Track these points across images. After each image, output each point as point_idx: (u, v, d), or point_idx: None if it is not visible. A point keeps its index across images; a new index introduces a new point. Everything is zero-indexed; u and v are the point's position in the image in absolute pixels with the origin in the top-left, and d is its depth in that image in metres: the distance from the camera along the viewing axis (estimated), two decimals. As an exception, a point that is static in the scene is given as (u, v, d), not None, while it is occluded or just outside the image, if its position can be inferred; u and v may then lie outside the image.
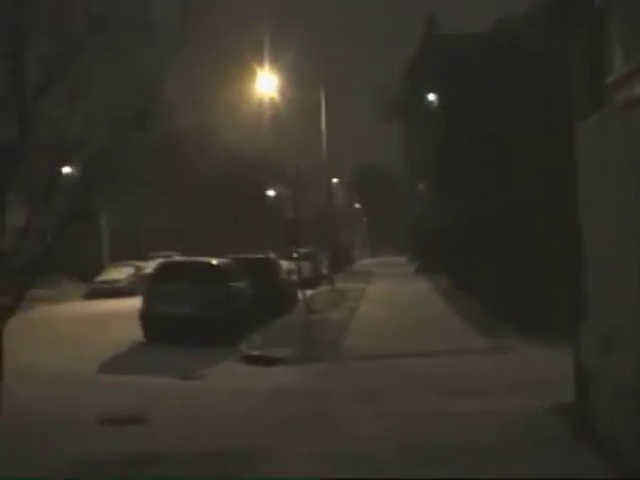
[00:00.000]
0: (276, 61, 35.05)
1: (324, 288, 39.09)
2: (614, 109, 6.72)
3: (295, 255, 29.52)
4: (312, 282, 38.75)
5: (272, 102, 39.83)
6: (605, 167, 7.06)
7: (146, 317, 20.28)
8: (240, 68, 36.17)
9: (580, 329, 8.93)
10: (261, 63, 34.29)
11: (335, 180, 67.21)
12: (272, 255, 34.04)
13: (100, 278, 41.68)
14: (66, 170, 7.92)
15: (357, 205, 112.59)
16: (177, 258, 34.48)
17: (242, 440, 10.00)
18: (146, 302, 20.58)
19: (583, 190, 7.98)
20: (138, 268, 41.52)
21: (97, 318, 27.44)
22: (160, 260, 28.05)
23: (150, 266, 34.58)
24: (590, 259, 8.37)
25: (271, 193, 72.96)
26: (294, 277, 30.36)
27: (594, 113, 7.33)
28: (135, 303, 21.60)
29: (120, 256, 48.26)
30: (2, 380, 6.60)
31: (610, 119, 6.62)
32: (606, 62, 6.91)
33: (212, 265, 21.77)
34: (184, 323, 19.74)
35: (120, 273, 41.51)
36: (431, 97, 50.62)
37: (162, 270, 21.90)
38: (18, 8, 6.31)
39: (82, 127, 6.90)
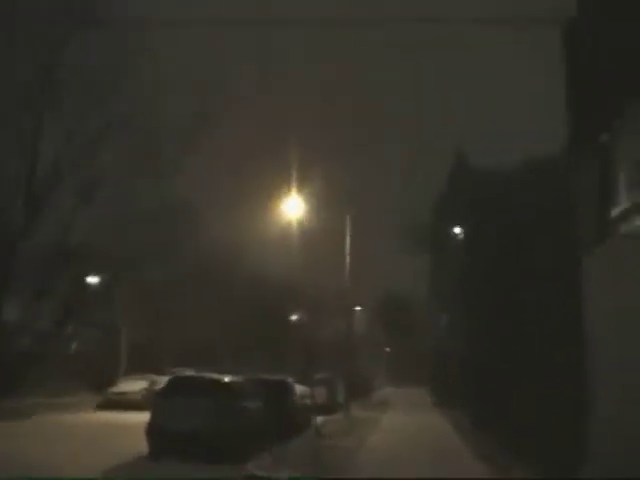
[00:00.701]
0: (303, 184, 35.63)
1: (339, 415, 38.57)
2: (617, 241, 6.79)
3: (310, 380, 29.36)
4: (327, 408, 38.33)
5: (297, 226, 40.31)
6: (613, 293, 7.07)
7: (152, 431, 20.04)
8: (267, 191, 36.85)
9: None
10: (288, 187, 34.88)
11: (358, 308, 67.23)
12: (289, 378, 33.82)
13: (114, 389, 41.36)
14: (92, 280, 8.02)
15: (378, 333, 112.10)
16: (188, 373, 34.30)
17: None
18: (153, 416, 20.37)
19: (592, 319, 7.97)
20: (153, 382, 41.23)
21: (106, 430, 27.24)
22: (172, 374, 27.91)
23: (164, 380, 34.43)
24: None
25: (294, 317, 73.17)
26: (308, 401, 30.05)
27: (599, 245, 7.40)
28: (146, 416, 21.39)
29: (137, 368, 48.16)
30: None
31: (613, 250, 6.69)
32: (611, 196, 7.02)
33: (223, 382, 21.60)
34: (190, 439, 19.45)
35: (135, 385, 41.15)
36: (457, 230, 51.18)
37: (172, 384, 21.75)
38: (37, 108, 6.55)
39: (95, 229, 7.05)
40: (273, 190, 35.51)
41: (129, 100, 6.60)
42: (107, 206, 6.87)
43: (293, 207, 35.48)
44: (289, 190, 35.12)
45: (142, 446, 20.13)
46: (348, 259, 40.82)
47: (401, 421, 37.46)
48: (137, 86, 6.47)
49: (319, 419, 31.41)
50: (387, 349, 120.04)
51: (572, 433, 15.72)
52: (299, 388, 31.07)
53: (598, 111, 7.58)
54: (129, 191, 6.83)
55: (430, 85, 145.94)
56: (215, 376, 23.05)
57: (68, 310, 6.71)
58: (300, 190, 35.28)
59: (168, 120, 6.94)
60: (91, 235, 6.68)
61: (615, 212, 6.91)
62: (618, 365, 7.23)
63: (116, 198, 6.87)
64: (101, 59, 6.37)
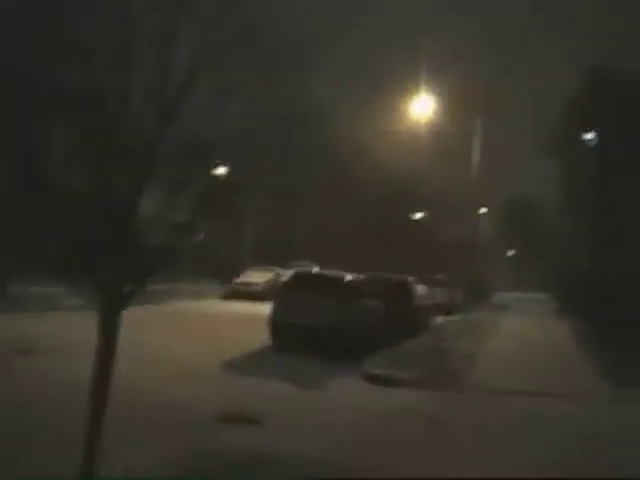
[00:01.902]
0: (434, 83, 35.01)
1: (458, 317, 38.64)
2: None
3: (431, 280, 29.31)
4: (446, 309, 38.48)
5: (426, 125, 39.79)
6: None
7: (274, 324, 20.60)
8: (396, 87, 36.31)
9: None
10: (417, 84, 34.35)
11: (483, 209, 66.47)
12: (410, 278, 33.95)
13: (239, 280, 42.53)
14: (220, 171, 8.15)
15: (503, 237, 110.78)
16: (311, 270, 34.83)
17: (346, 454, 10.08)
18: (275, 310, 20.89)
19: None
20: (277, 274, 42.07)
21: (231, 319, 28.15)
22: (296, 269, 28.40)
23: (288, 273, 35.13)
24: None
25: (418, 215, 72.81)
26: (428, 302, 30.18)
27: None
28: (269, 307, 21.91)
29: (262, 260, 49.17)
30: (112, 368, 6.81)
31: None
32: None
33: (345, 280, 21.83)
34: (311, 334, 19.90)
35: (260, 277, 42.15)
36: (590, 135, 49.51)
37: (295, 280, 22.14)
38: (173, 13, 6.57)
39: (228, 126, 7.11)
40: (403, 89, 35.06)
41: (263, 5, 6.62)
42: (240, 108, 6.98)
43: (422, 106, 35.03)
44: (418, 89, 34.63)
45: (264, 337, 20.80)
46: (476, 161, 40.14)
47: (519, 326, 37.20)
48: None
49: (439, 320, 31.62)
50: (510, 253, 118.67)
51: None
52: (420, 288, 31.11)
53: None
54: (263, 95, 6.89)
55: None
56: (337, 274, 23.32)
57: (200, 202, 6.93)
58: (430, 90, 34.73)
59: (304, 25, 6.94)
60: (224, 134, 6.84)
61: None
62: None
63: (249, 102, 6.96)
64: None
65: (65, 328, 18.81)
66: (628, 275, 27.24)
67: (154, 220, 6.84)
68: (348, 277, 22.30)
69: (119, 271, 6.59)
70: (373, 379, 16.81)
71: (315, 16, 7.19)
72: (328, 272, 25.56)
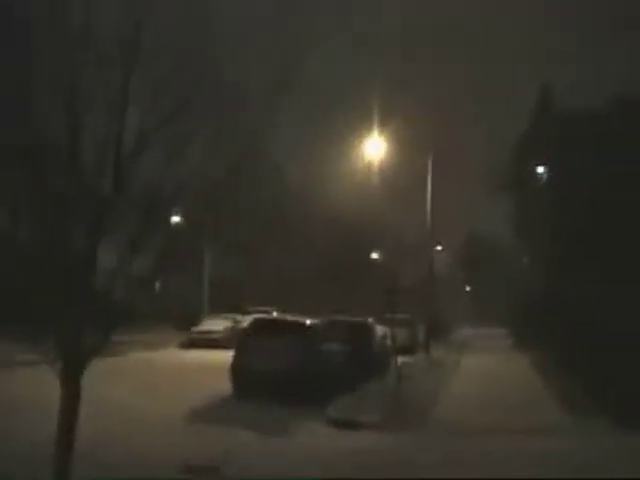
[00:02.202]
0: (383, 125, 35.33)
1: (419, 357, 38.70)
2: None
3: (391, 320, 29.24)
4: (407, 349, 38.46)
5: (378, 166, 40.09)
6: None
7: (236, 370, 20.48)
8: (347, 130, 36.65)
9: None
10: (369, 127, 34.63)
11: (439, 247, 66.90)
12: (369, 319, 33.92)
13: (198, 328, 42.32)
14: (174, 219, 8.17)
15: (460, 274, 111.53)
16: (271, 315, 34.76)
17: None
18: (237, 356, 20.77)
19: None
20: (236, 322, 41.91)
21: (190, 367, 27.98)
22: (256, 315, 28.37)
23: (247, 320, 35.00)
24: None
25: (374, 256, 72.97)
26: (389, 343, 30.18)
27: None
28: (229, 356, 21.81)
29: (221, 306, 48.99)
30: (76, 422, 6.76)
31: None
32: None
33: (305, 325, 21.83)
34: (272, 379, 19.81)
35: (218, 325, 41.98)
36: (540, 170, 50.25)
37: (254, 326, 22.12)
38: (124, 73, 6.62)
39: (177, 183, 7.15)
40: (354, 132, 35.37)
41: (211, 60, 6.67)
42: (193, 163, 7.00)
43: (374, 148, 35.32)
44: (370, 132, 34.95)
45: (225, 384, 20.62)
46: (429, 199, 40.46)
47: (481, 362, 37.40)
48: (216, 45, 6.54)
49: (400, 360, 31.59)
50: (467, 289, 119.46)
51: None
52: (380, 328, 31.14)
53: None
54: (214, 149, 6.93)
55: (516, 22, 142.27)
56: (297, 318, 23.34)
57: (158, 255, 6.92)
58: (381, 131, 35.06)
59: (250, 77, 6.97)
60: (178, 189, 6.86)
61: None
62: None
63: (201, 156, 6.99)
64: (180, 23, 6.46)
65: (22, 386, 18.59)
66: (580, 305, 27.50)
67: (113, 273, 6.85)
68: (308, 321, 22.29)
69: (80, 323, 6.57)
70: (337, 423, 16.74)
71: (262, 65, 7.27)
72: (288, 317, 25.56)
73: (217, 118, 6.98)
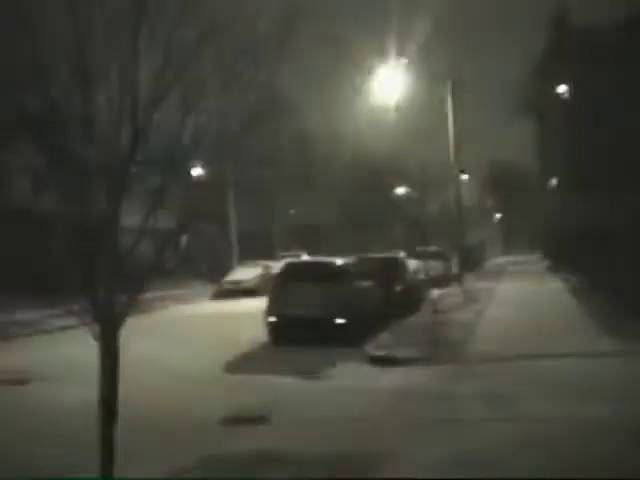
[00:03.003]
0: (401, 54, 34.77)
1: (453, 288, 38.60)
2: None
3: (423, 254, 29.10)
4: (441, 281, 38.43)
5: (398, 99, 39.54)
6: None
7: (271, 318, 20.46)
8: (364, 65, 36.06)
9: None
10: (386, 58, 34.09)
11: (465, 177, 66.44)
12: (401, 254, 33.82)
13: (228, 278, 42.48)
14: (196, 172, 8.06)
15: (489, 202, 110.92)
16: (302, 259, 34.74)
17: (363, 443, 9.97)
18: (271, 303, 20.75)
19: None
20: (266, 268, 41.87)
21: (224, 318, 28.12)
22: (287, 260, 28.36)
23: (278, 266, 35.08)
24: None
25: (400, 191, 72.66)
26: (422, 276, 30.12)
27: None
28: (262, 303, 21.83)
29: (250, 255, 49.12)
30: (117, 380, 6.77)
31: None
32: None
33: (337, 265, 21.72)
34: (309, 324, 19.88)
35: (248, 273, 42.09)
36: (562, 89, 49.40)
37: (287, 271, 21.98)
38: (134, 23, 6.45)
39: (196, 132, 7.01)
40: (370, 66, 34.80)
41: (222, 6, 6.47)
42: (210, 113, 6.86)
43: (392, 81, 34.83)
44: (387, 64, 34.43)
45: (261, 332, 20.69)
46: (451, 128, 39.87)
47: (516, 289, 37.23)
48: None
49: (435, 293, 31.54)
50: (498, 216, 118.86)
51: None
52: (412, 263, 31.02)
53: None
54: (230, 97, 6.78)
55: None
56: (329, 260, 23.29)
57: (182, 210, 6.84)
58: (399, 60, 34.51)
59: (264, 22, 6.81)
60: (198, 140, 6.73)
61: None
62: None
63: (217, 102, 6.84)
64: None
65: (59, 352, 18.87)
66: (611, 229, 27.16)
67: (138, 231, 6.80)
68: (340, 261, 22.22)
69: (110, 286, 6.55)
70: (378, 361, 16.75)
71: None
72: (319, 259, 25.52)
73: (231, 62, 6.81)
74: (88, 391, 7.41)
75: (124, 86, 6.42)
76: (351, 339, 19.25)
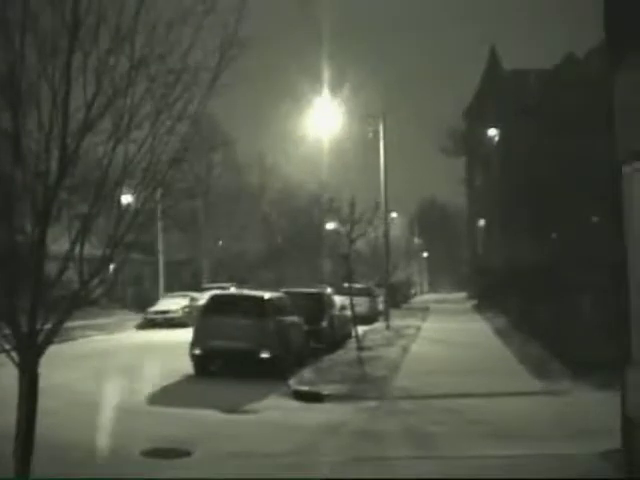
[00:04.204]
0: (335, 93, 35.19)
1: (379, 325, 38.80)
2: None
3: (350, 290, 29.12)
4: (367, 318, 38.51)
5: (330, 135, 39.93)
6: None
7: (196, 350, 20.29)
8: (298, 101, 36.37)
9: (626, 373, 8.64)
10: (319, 94, 34.46)
11: (394, 214, 66.96)
12: (327, 289, 33.90)
13: (154, 308, 42.04)
14: (124, 200, 7.98)
15: (417, 240, 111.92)
16: (229, 291, 34.62)
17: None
18: (196, 335, 20.60)
19: (630, 233, 7.79)
20: (192, 299, 41.78)
21: (148, 348, 27.76)
22: (214, 292, 28.17)
23: (204, 297, 34.83)
24: (636, 303, 8.13)
25: (329, 226, 72.85)
26: (348, 312, 30.20)
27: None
28: (187, 334, 21.67)
29: (176, 285, 48.78)
30: (35, 409, 6.66)
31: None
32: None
33: (264, 299, 21.67)
34: (234, 357, 19.82)
35: (174, 304, 41.76)
36: (492, 132, 50.48)
37: (213, 303, 21.88)
38: (67, 50, 6.42)
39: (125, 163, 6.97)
40: (305, 102, 35.11)
41: (151, 39, 6.44)
42: (140, 143, 6.80)
43: (325, 117, 35.16)
44: (321, 100, 34.73)
45: (185, 363, 20.46)
46: (383, 165, 40.27)
47: (441, 328, 37.58)
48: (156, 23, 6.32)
49: (360, 329, 31.64)
50: (425, 255, 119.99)
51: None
52: (339, 299, 31.10)
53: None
54: (160, 128, 6.73)
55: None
56: (255, 293, 23.28)
57: (110, 237, 6.70)
58: (333, 99, 34.87)
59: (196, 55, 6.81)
60: (126, 167, 6.67)
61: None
62: None
63: (148, 135, 6.79)
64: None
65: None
66: (537, 268, 27.71)
67: (65, 258, 6.72)
68: (267, 295, 22.18)
69: (34, 313, 6.46)
70: (301, 396, 16.70)
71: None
72: (246, 292, 25.45)
73: (164, 92, 6.80)
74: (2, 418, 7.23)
75: (55, 112, 6.37)
76: (276, 373, 19.19)
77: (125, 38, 6.47)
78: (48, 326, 6.53)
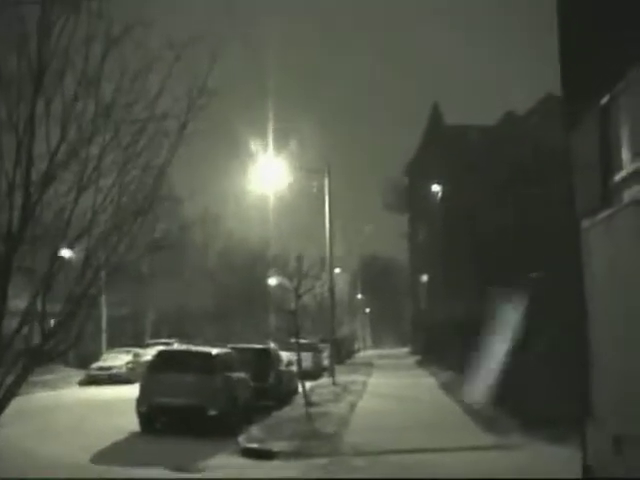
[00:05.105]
0: (281, 148, 35.37)
1: (325, 380, 38.59)
2: (622, 207, 6.65)
3: (295, 346, 28.94)
4: (313, 374, 38.29)
5: (276, 190, 40.03)
6: (614, 263, 6.94)
7: (142, 407, 19.92)
8: (243, 156, 36.39)
9: (586, 427, 8.65)
10: (264, 151, 34.59)
11: (337, 270, 67.07)
12: (272, 345, 33.68)
13: (97, 364, 41.26)
14: (69, 255, 7.81)
15: (360, 296, 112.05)
16: (175, 347, 34.24)
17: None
18: (143, 392, 20.24)
19: (590, 287, 7.86)
20: (136, 355, 41.27)
21: (92, 405, 27.14)
22: (159, 348, 27.77)
23: (148, 353, 34.28)
24: (597, 356, 8.17)
25: (272, 282, 72.72)
26: (294, 368, 30.00)
27: (601, 211, 7.27)
28: (132, 391, 21.28)
29: (119, 341, 48.08)
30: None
31: (618, 217, 6.57)
32: (614, 160, 6.87)
33: (210, 355, 21.47)
34: (181, 414, 19.52)
35: (118, 360, 41.11)
36: (435, 188, 51.04)
37: (160, 359, 21.61)
38: (31, 96, 6.31)
39: (85, 215, 6.83)
40: (248, 156, 35.19)
41: (119, 85, 6.38)
42: (106, 192, 6.75)
43: (270, 173, 35.27)
44: (265, 156, 34.86)
45: (130, 420, 20.04)
46: (328, 220, 40.43)
47: (387, 382, 37.51)
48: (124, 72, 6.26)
49: (307, 385, 31.42)
50: (367, 310, 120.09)
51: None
52: (284, 354, 30.93)
53: (596, 71, 7.47)
54: (120, 181, 6.69)
55: (406, 40, 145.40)
56: (202, 349, 23.08)
57: (71, 292, 6.57)
58: (276, 154, 35.03)
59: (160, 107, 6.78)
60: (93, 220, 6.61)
61: (618, 177, 6.75)
62: (621, 353, 7.07)
63: (108, 189, 6.74)
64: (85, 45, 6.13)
65: None
66: (478, 324, 27.83)
67: (25, 314, 6.53)
68: (214, 351, 21.95)
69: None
70: (251, 453, 16.45)
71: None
72: (193, 347, 25.20)
73: (130, 141, 6.72)
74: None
75: (19, 160, 6.24)
76: (224, 431, 18.90)
77: (91, 84, 6.39)
78: (9, 381, 6.32)
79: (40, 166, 6.37)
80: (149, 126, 6.70)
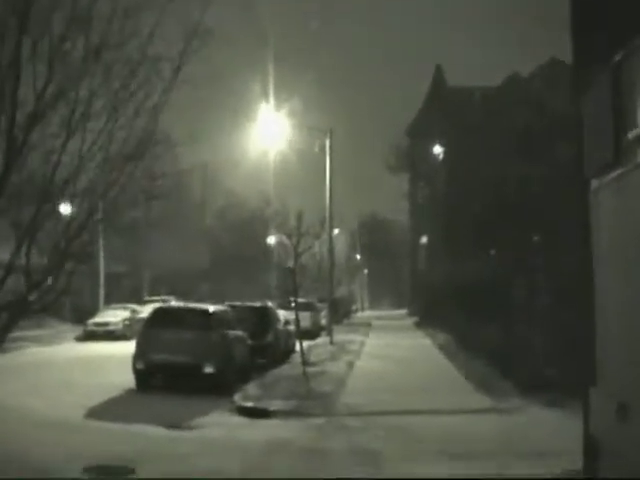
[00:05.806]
0: (282, 106, 34.95)
1: (322, 339, 38.57)
2: (637, 164, 6.37)
3: (293, 305, 28.80)
4: (310, 333, 38.24)
5: (276, 148, 39.67)
6: (624, 224, 6.68)
7: (139, 364, 19.81)
8: (246, 111, 35.90)
9: (589, 394, 8.44)
10: (267, 107, 34.18)
11: (337, 230, 66.87)
12: (270, 304, 33.55)
13: (94, 320, 41.22)
14: (63, 209, 7.53)
15: (358, 256, 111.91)
16: (172, 304, 34.10)
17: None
18: (139, 348, 20.11)
19: (597, 250, 7.62)
20: (133, 312, 41.19)
21: (88, 361, 27.05)
22: (156, 305, 27.63)
23: (146, 310, 34.10)
24: (603, 321, 7.94)
25: (272, 240, 72.53)
26: (292, 327, 29.90)
27: (612, 171, 6.98)
28: (128, 347, 21.15)
29: (117, 297, 47.99)
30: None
31: (631, 175, 6.31)
32: (628, 117, 6.58)
33: (208, 312, 21.30)
34: (177, 372, 19.42)
35: (115, 316, 41.08)
36: (437, 149, 50.67)
37: (157, 316, 21.44)
38: (16, 35, 5.99)
39: (74, 162, 6.53)
40: (250, 115, 34.78)
41: (110, 27, 6.12)
42: (89, 141, 6.50)
43: (271, 131, 34.90)
44: (267, 114, 34.46)
45: (126, 377, 19.94)
46: (328, 181, 40.16)
47: (385, 343, 37.45)
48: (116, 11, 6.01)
49: (304, 344, 31.35)
50: (366, 271, 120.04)
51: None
52: (282, 313, 30.82)
53: (608, 28, 7.17)
54: (111, 125, 6.46)
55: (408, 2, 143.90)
56: (199, 306, 22.92)
57: (31, 238, 6.39)
58: (278, 111, 34.61)
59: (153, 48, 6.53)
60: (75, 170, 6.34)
61: (631, 135, 6.46)
62: (628, 318, 6.83)
63: (98, 134, 6.49)
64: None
65: None
66: (479, 285, 27.70)
67: (6, 268, 6.28)
68: (211, 308, 21.79)
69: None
70: (246, 412, 16.35)
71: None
72: (191, 304, 25.06)
73: (122, 84, 6.43)
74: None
75: (2, 101, 5.96)
76: (220, 388, 18.82)
77: (81, 22, 6.09)
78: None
79: (26, 109, 6.07)
80: (141, 69, 6.39)
